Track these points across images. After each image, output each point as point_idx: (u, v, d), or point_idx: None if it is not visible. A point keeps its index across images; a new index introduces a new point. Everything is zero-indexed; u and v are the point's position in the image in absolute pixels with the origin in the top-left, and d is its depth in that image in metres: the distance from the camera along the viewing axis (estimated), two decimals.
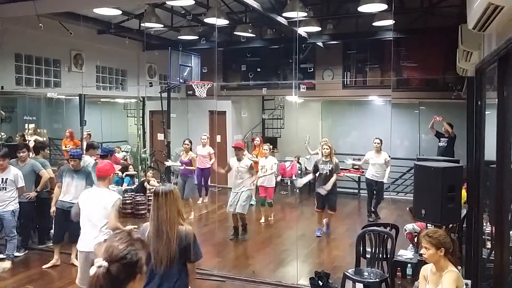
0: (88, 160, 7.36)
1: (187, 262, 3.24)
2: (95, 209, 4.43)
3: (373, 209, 9.11)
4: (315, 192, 8.02)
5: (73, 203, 6.17)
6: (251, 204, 9.71)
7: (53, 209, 6.30)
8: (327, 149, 7.79)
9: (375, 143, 8.83)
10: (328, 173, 7.72)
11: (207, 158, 9.73)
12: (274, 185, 8.91)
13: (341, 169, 10.62)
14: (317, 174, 7.96)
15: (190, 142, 9.26)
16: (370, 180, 9.01)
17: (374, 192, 9.03)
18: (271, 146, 9.26)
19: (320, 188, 7.78)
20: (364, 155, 9.35)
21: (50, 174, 7.15)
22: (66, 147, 9.66)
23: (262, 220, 8.83)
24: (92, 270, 1.64)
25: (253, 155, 9.55)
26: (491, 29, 3.66)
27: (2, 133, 9.06)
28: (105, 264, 1.64)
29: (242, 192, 7.65)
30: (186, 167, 8.91)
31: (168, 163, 9.83)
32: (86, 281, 4.19)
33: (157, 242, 3.07)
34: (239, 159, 7.72)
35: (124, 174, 9.93)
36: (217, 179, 9.55)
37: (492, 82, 4.30)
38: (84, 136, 9.68)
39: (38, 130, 9.91)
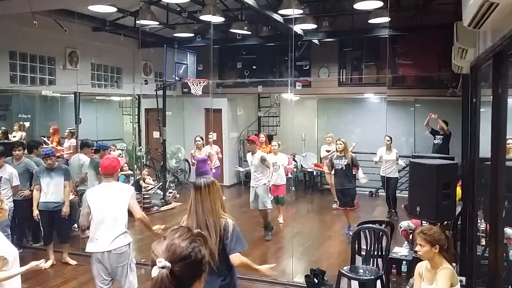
0: (83, 159, 7.35)
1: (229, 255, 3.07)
2: (115, 205, 4.18)
3: (392, 209, 8.97)
4: (336, 189, 7.98)
5: (57, 202, 6.19)
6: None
7: (35, 212, 6.23)
8: (341, 144, 7.77)
9: (386, 140, 8.77)
10: (344, 168, 7.68)
11: (214, 156, 9.63)
12: (285, 182, 8.74)
13: None
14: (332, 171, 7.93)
15: (202, 138, 9.11)
16: (383, 177, 8.99)
17: (389, 188, 8.97)
18: (279, 142, 9.13)
19: (362, 178, 7.81)
20: (358, 153, 9.34)
21: None
22: (52, 143, 9.63)
23: (281, 219, 8.65)
24: (154, 272, 1.47)
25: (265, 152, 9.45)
26: (486, 26, 3.66)
27: None
28: (168, 264, 1.47)
29: (259, 187, 7.62)
30: (201, 163, 8.75)
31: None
32: (102, 283, 4.19)
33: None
34: (252, 153, 7.73)
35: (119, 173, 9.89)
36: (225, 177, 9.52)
37: (487, 79, 4.30)
38: (66, 134, 9.57)
39: (26, 126, 9.67)
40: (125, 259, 4.18)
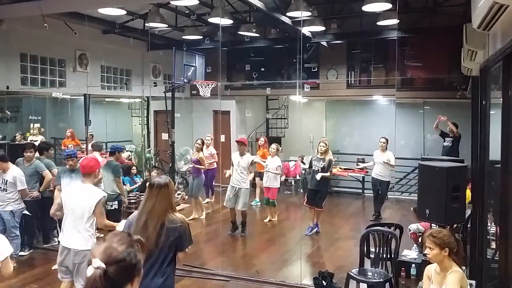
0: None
1: (177, 251, 3.17)
2: (79, 205, 4.26)
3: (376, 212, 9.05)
4: (308, 188, 8.11)
5: None
6: (255, 205, 9.77)
7: (56, 212, 6.24)
8: (323, 146, 7.81)
9: (380, 142, 8.81)
10: (319, 170, 7.74)
11: (209, 158, 9.73)
12: (278, 186, 8.89)
13: (346, 169, 10.69)
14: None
15: (202, 142, 9.26)
16: (374, 179, 9.00)
17: (379, 191, 9.00)
18: (278, 146, 9.26)
19: (315, 176, 7.79)
20: (367, 155, 9.35)
21: (56, 174, 7.19)
22: (67, 147, 9.71)
23: (267, 219, 8.87)
24: (89, 271, 1.57)
25: (257, 156, 9.55)
26: (496, 28, 3.64)
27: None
28: (103, 265, 1.57)
29: (242, 189, 7.73)
30: (195, 166, 8.94)
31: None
32: (62, 274, 4.29)
33: (141, 234, 2.88)
34: (241, 154, 7.82)
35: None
36: (221, 179, 9.57)
37: (497, 81, 4.28)
38: (87, 137, 9.68)
39: (42, 130, 9.88)
40: (80, 258, 4.20)
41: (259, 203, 10.00)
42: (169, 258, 3.14)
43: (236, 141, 8.41)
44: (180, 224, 3.13)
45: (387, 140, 8.79)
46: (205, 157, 9.57)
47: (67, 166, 6.16)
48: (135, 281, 1.66)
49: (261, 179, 9.62)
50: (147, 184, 3.22)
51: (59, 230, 6.43)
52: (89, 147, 9.52)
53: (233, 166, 7.93)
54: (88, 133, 9.73)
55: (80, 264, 4.20)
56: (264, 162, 9.05)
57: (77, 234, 4.25)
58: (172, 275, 3.21)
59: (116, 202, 6.73)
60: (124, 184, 9.79)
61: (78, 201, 4.29)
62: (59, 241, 4.44)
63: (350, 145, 12.36)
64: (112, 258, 1.60)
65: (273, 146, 8.91)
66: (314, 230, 8.03)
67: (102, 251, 1.61)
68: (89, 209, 4.24)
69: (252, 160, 7.89)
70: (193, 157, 9.17)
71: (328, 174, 7.85)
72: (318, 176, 7.70)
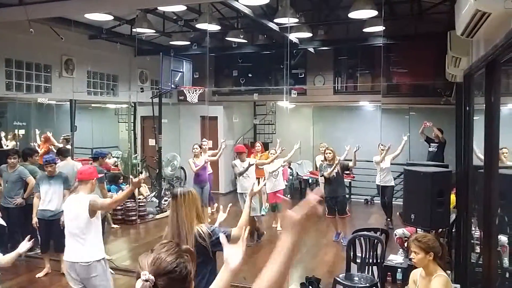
0: (78, 166, 7.32)
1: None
2: (74, 217, 4.14)
3: (387, 217, 8.96)
4: (326, 198, 7.84)
5: (54, 211, 6.07)
6: (262, 215, 9.41)
7: (34, 220, 6.12)
8: (330, 153, 7.81)
9: (380, 149, 8.67)
10: (335, 176, 7.72)
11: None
12: (283, 187, 8.71)
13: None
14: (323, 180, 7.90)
15: (200, 146, 9.01)
16: (379, 186, 8.96)
17: (385, 198, 8.94)
18: (278, 150, 9.07)
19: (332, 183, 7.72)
20: (351, 160, 9.31)
21: None
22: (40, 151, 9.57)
23: (279, 227, 8.47)
24: (138, 284, 1.47)
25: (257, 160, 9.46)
26: (479, 35, 3.71)
27: None
28: (152, 277, 1.47)
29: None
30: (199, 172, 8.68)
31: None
32: (72, 284, 4.16)
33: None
34: (242, 160, 7.78)
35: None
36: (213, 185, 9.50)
37: (480, 87, 4.35)
38: (60, 141, 9.52)
39: (19, 135, 9.59)
40: (93, 271, 4.09)
41: (265, 213, 9.94)
42: (204, 266, 3.04)
43: (235, 151, 8.27)
44: (205, 232, 3.05)
45: (385, 146, 8.72)
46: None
47: (46, 172, 6.09)
48: None
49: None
50: (171, 194, 3.14)
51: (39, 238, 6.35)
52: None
53: (237, 174, 7.85)
54: (62, 137, 9.53)
55: (90, 279, 4.10)
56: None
57: (80, 247, 4.10)
58: (208, 276, 3.06)
59: None
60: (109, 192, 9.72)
61: (72, 213, 4.15)
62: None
63: (338, 150, 12.37)
64: (161, 269, 1.51)
65: (272, 151, 8.77)
66: (342, 236, 7.88)
67: (150, 262, 1.52)
68: (84, 219, 4.08)
69: (257, 162, 7.80)
70: (197, 163, 8.69)
71: (353, 164, 7.83)
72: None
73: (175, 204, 3.05)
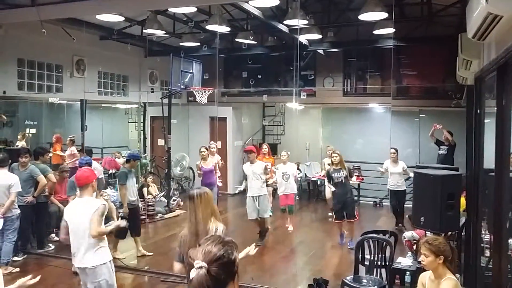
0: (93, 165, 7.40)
1: None
2: (81, 221, 4.08)
3: (399, 222, 8.84)
4: (334, 203, 7.85)
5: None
6: (270, 215, 9.44)
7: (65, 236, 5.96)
8: (336, 156, 7.69)
9: (391, 153, 8.60)
10: (343, 180, 7.61)
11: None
12: (296, 191, 8.80)
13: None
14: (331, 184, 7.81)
15: (207, 148, 8.93)
16: (392, 191, 8.83)
17: (398, 202, 8.81)
18: (288, 152, 9.12)
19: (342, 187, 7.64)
20: (362, 163, 9.32)
21: (52, 179, 7.17)
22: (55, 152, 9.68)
23: (290, 227, 8.65)
24: (192, 274, 1.62)
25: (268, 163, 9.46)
26: (491, 38, 3.70)
27: None
28: (205, 264, 1.63)
29: (261, 196, 7.64)
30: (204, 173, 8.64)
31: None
32: None
33: (195, 242, 2.97)
34: (251, 163, 7.75)
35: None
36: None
37: (492, 90, 4.33)
38: (67, 142, 9.61)
39: (27, 135, 9.69)
40: (99, 276, 4.11)
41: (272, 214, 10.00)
42: None
43: (244, 150, 8.29)
44: (222, 229, 3.26)
45: (396, 150, 8.63)
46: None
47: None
48: (236, 277, 1.73)
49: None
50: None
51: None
52: (67, 152, 9.50)
53: (246, 177, 7.88)
54: (69, 139, 9.60)
55: (100, 282, 4.12)
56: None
57: (88, 252, 4.09)
58: None
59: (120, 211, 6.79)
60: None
61: (79, 218, 4.11)
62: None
63: (346, 152, 12.34)
64: (211, 256, 1.66)
65: (283, 152, 8.80)
66: (340, 241, 7.85)
67: (200, 254, 1.68)
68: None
69: (266, 165, 7.73)
70: (203, 165, 8.63)
71: (354, 179, 7.90)
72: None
73: (192, 205, 3.30)
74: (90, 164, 6.37)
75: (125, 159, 7.50)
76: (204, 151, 8.70)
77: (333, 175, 7.67)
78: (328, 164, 8.33)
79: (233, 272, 1.71)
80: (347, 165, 7.91)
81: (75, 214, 4.15)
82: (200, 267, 1.62)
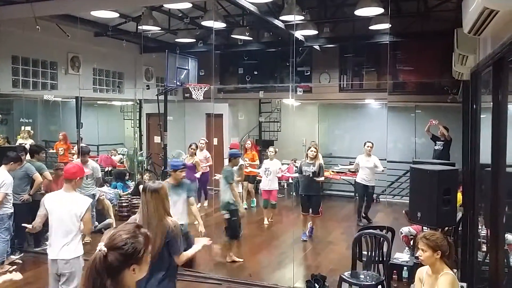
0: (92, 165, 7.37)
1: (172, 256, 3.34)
2: (68, 215, 4.16)
3: (363, 214, 9.04)
4: (300, 195, 7.98)
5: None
6: (252, 207, 9.79)
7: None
8: (313, 151, 7.75)
9: (367, 146, 8.82)
10: (311, 175, 7.65)
11: (203, 162, 9.72)
12: (277, 188, 9.13)
13: (338, 172, 10.72)
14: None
15: (196, 146, 9.37)
16: (359, 184, 9.01)
17: (365, 196, 9.00)
18: (276, 149, 9.40)
19: (306, 181, 7.72)
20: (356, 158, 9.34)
21: (48, 177, 7.13)
22: (58, 150, 9.66)
23: (266, 221, 8.96)
24: (95, 253, 1.76)
25: (245, 159, 9.61)
26: (486, 33, 3.69)
27: None
28: (105, 249, 1.75)
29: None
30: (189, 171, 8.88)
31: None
32: (52, 279, 4.23)
33: None
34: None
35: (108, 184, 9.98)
36: (214, 182, 9.54)
37: (487, 85, 4.33)
38: (78, 139, 9.62)
39: (32, 132, 9.70)
40: (70, 267, 4.18)
41: (254, 206, 10.14)
42: (166, 261, 3.28)
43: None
44: (171, 229, 3.27)
45: (373, 144, 8.84)
46: (200, 161, 9.57)
47: (173, 179, 5.49)
48: (132, 268, 1.80)
49: (250, 183, 9.88)
50: (141, 188, 3.36)
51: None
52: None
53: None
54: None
55: (72, 273, 4.17)
56: (254, 164, 9.11)
57: (67, 244, 4.17)
58: (170, 278, 3.36)
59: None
60: (119, 190, 9.79)
61: (66, 210, 4.17)
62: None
63: (343, 148, 12.40)
64: (113, 244, 1.78)
65: (271, 149, 9.09)
66: (308, 234, 7.97)
67: (108, 236, 1.81)
68: (79, 217, 4.17)
69: (242, 164, 8.01)
70: (187, 162, 8.92)
71: (322, 178, 7.87)
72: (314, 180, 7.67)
73: (144, 198, 3.32)
74: (184, 167, 5.79)
75: (227, 158, 7.34)
76: (194, 148, 9.21)
77: (303, 167, 7.78)
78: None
79: (129, 263, 1.78)
80: (344, 162, 8.00)
81: (60, 206, 4.20)
82: (100, 250, 1.75)
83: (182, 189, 5.52)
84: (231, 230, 6.61)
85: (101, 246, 1.75)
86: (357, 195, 9.46)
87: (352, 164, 10.13)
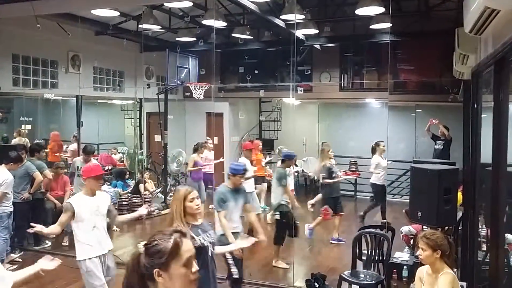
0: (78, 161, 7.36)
1: None
2: (103, 209, 4.46)
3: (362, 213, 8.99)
4: (333, 197, 7.81)
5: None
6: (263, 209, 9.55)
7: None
8: (333, 152, 7.90)
9: (383, 146, 8.59)
10: (340, 175, 7.86)
11: (208, 162, 9.70)
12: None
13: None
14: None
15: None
16: (382, 186, 8.83)
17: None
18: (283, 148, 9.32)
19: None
20: (359, 158, 9.32)
21: (48, 176, 7.14)
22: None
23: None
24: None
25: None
26: (488, 32, 3.69)
27: None
28: (142, 250, 1.76)
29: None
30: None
31: None
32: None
33: None
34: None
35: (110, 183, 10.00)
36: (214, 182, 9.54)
37: (488, 85, 4.33)
38: (71, 139, 9.63)
39: (23, 131, 9.64)
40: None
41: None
42: None
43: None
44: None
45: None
46: (207, 160, 9.59)
47: (231, 184, 5.08)
48: (160, 274, 1.71)
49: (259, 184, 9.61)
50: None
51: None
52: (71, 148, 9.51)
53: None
54: (73, 136, 9.65)
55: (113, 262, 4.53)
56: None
57: (107, 236, 4.55)
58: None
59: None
60: (118, 189, 9.78)
61: (102, 205, 4.42)
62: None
63: (343, 147, 12.38)
64: (148, 243, 1.77)
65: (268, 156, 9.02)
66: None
67: (151, 236, 1.81)
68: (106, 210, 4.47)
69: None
70: (199, 161, 9.14)
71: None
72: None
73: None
74: (245, 171, 5.33)
75: (280, 159, 7.17)
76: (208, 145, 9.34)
77: (334, 169, 7.79)
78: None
79: (160, 262, 1.71)
80: (344, 161, 8.04)
81: (98, 203, 4.46)
82: (141, 247, 1.78)
83: (240, 195, 5.10)
84: (278, 232, 6.48)
85: (141, 245, 1.79)
86: (374, 198, 9.08)
87: (353, 164, 10.14)
